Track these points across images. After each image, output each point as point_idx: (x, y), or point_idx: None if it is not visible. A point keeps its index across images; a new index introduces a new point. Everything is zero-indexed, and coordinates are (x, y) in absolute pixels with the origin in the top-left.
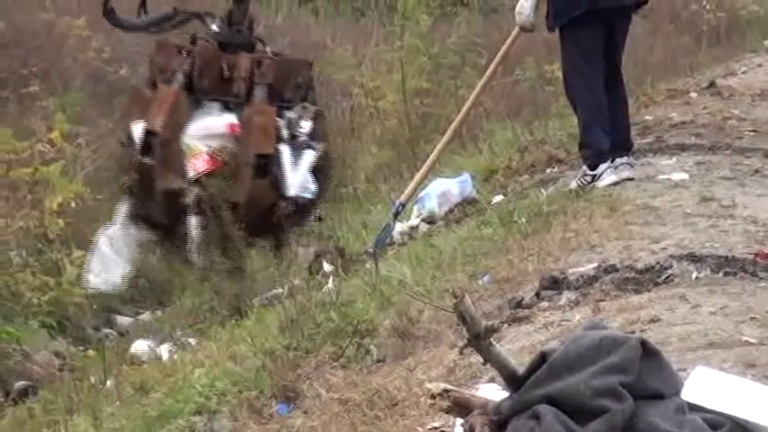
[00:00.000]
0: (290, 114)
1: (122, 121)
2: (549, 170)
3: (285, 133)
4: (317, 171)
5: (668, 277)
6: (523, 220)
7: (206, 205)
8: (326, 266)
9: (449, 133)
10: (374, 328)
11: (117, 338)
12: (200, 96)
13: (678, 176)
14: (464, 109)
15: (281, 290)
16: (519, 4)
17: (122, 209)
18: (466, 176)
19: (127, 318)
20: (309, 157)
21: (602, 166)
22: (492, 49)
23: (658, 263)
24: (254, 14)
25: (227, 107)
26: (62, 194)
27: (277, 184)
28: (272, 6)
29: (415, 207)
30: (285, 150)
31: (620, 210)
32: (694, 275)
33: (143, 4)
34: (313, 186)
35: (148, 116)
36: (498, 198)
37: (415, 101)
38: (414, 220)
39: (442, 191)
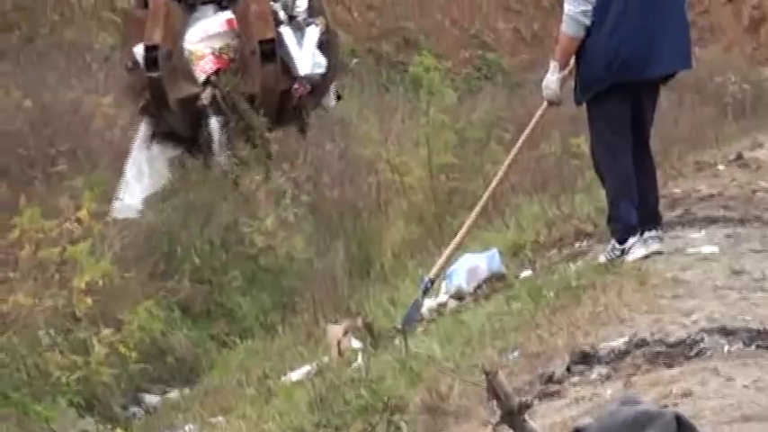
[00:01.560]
0: None
1: (124, 47)
2: (577, 244)
3: (282, 15)
4: (323, 45)
5: (700, 351)
6: (552, 294)
7: (223, 103)
8: (355, 343)
9: (477, 209)
10: (404, 405)
11: (145, 416)
12: (191, 1)
13: (708, 249)
14: (492, 184)
15: (309, 367)
16: (545, 79)
17: (142, 130)
18: (494, 252)
19: (155, 396)
20: (312, 33)
21: (631, 240)
22: (517, 124)
23: (690, 336)
24: None
25: (220, 6)
26: (90, 274)
27: (286, 66)
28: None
29: (444, 283)
30: (287, 32)
31: (649, 283)
32: (726, 349)
33: None
34: (323, 61)
35: (146, 33)
36: (526, 273)
37: (442, 176)
38: (442, 297)
39: (470, 267)
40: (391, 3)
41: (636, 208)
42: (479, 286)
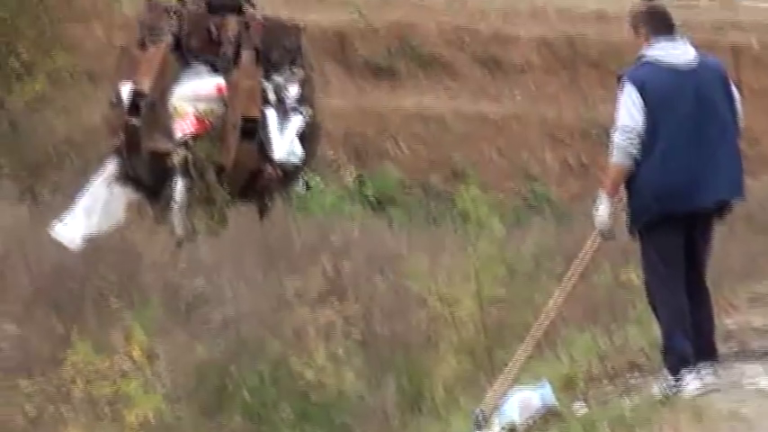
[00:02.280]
0: (278, 78)
1: (112, 81)
2: (630, 377)
3: (272, 97)
4: (304, 137)
5: None
6: (606, 429)
7: (192, 167)
8: None
9: (528, 341)
10: None
11: None
12: (188, 57)
13: (765, 383)
14: (543, 316)
15: None
16: (596, 210)
17: (109, 168)
18: (546, 384)
19: None
20: (297, 122)
21: (686, 373)
22: (567, 255)
23: None
24: None
25: (214, 69)
26: (142, 409)
27: (263, 147)
28: (348, 214)
29: (496, 417)
30: (272, 114)
31: (706, 418)
32: None
33: None
34: (299, 151)
35: (136, 76)
36: (579, 406)
37: (492, 309)
38: (495, 431)
39: (523, 400)
40: (439, 135)
41: (690, 340)
42: (532, 420)
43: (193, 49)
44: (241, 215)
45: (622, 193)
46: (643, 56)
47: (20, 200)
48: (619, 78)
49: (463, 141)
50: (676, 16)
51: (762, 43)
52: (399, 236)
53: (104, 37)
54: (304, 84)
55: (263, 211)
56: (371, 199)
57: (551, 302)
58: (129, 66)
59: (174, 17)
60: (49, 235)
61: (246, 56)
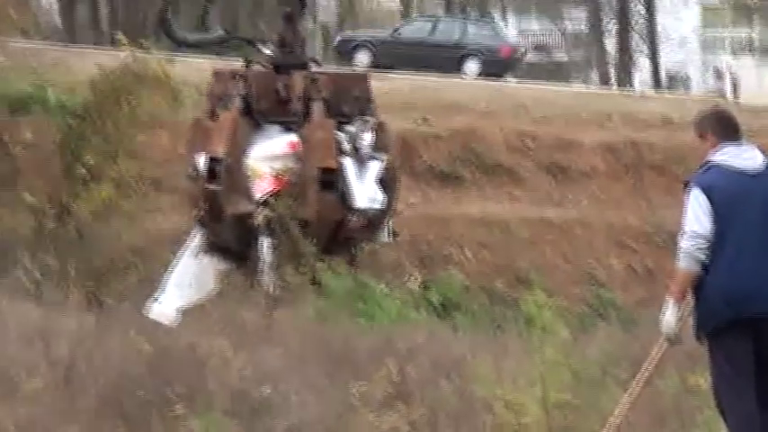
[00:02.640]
0: (351, 128)
1: (187, 154)
2: None
3: (347, 147)
4: (384, 182)
5: None
6: None
7: (276, 225)
8: None
9: None
10: None
11: None
12: (259, 119)
13: None
14: (610, 422)
15: None
16: (663, 315)
17: (195, 240)
18: None
19: None
20: (374, 168)
21: None
22: (633, 361)
23: None
24: (304, 34)
25: (287, 128)
26: None
27: (344, 197)
28: (413, 320)
29: None
30: (348, 163)
31: None
32: None
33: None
34: (381, 197)
35: (211, 145)
36: None
37: (558, 415)
38: None
39: None
40: (503, 240)
41: None
42: None
43: (263, 110)
44: (308, 323)
45: (690, 298)
46: (709, 161)
47: (86, 307)
48: (685, 184)
49: (528, 247)
50: (742, 121)
51: None
52: (464, 340)
53: (169, 144)
54: (377, 130)
55: (352, 262)
56: (436, 305)
57: (618, 409)
58: (202, 137)
59: (241, 81)
60: (116, 342)
61: (317, 108)
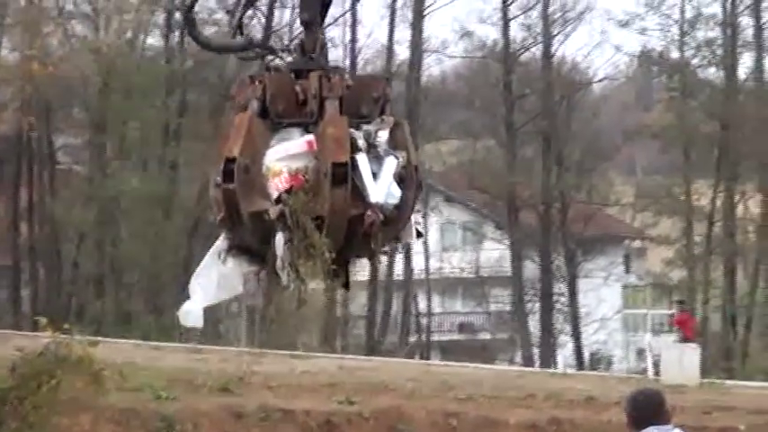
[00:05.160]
0: (368, 127)
1: (215, 164)
2: None
3: (362, 143)
4: (402, 179)
5: None
6: None
7: (290, 220)
8: None
9: None
10: None
11: None
12: (276, 121)
13: None
14: None
15: None
16: None
17: (218, 243)
18: None
19: None
20: (391, 164)
21: None
22: None
23: None
24: (324, 41)
25: (306, 130)
26: None
27: (359, 192)
28: None
29: None
30: (362, 159)
31: None
32: None
33: (239, 27)
34: (398, 193)
35: (227, 145)
36: None
37: None
38: None
39: None
40: None
41: None
42: None
43: (280, 112)
44: None
45: None
46: None
47: None
48: None
49: None
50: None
51: (749, 426)
52: None
53: (91, 428)
54: (395, 129)
55: (372, 259)
56: None
57: None
58: (223, 142)
59: (259, 84)
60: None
61: (329, 106)
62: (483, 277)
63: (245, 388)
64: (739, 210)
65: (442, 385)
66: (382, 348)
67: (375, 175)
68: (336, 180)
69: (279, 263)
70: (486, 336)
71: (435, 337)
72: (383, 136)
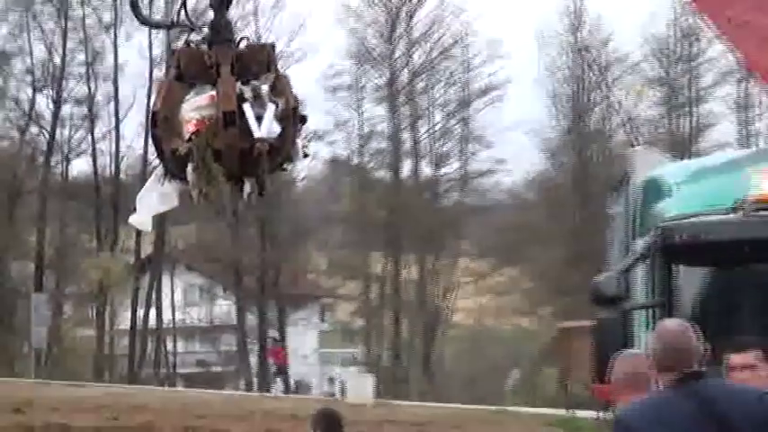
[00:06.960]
0: (255, 82)
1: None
2: None
3: (249, 95)
4: (281, 119)
5: None
6: None
7: (195, 154)
8: None
9: None
10: None
11: None
12: (190, 83)
13: None
14: None
15: None
16: None
17: (157, 170)
18: None
19: None
20: (271, 109)
21: None
22: None
23: None
24: (228, 20)
25: (214, 87)
26: None
27: (247, 131)
28: None
29: None
30: (247, 107)
31: None
32: None
33: (183, 4)
34: (278, 128)
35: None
36: None
37: None
38: None
39: None
40: None
41: None
42: None
43: (193, 75)
44: None
45: None
46: None
47: None
48: None
49: None
50: (346, 414)
51: None
52: None
53: None
54: (277, 81)
55: (259, 182)
56: None
57: None
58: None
59: (176, 56)
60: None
61: (223, 70)
62: (216, 325)
63: (34, 409)
64: (403, 274)
65: (184, 406)
66: (140, 379)
67: (260, 118)
68: (227, 123)
69: (190, 185)
70: (218, 369)
71: (180, 370)
72: (265, 88)
